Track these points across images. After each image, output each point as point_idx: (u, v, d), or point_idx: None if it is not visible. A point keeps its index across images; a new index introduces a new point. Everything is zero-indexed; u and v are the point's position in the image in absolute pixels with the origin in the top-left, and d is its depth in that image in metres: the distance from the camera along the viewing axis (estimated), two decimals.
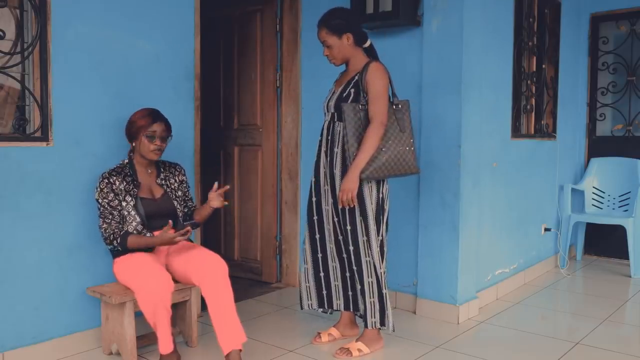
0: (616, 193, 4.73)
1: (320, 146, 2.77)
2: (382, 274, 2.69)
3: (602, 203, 4.80)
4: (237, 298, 2.52)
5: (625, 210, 4.62)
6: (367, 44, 2.73)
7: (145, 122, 2.59)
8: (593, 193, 4.82)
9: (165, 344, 2.46)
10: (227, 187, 2.73)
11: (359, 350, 2.72)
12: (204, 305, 2.57)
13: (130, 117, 2.64)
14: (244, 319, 2.57)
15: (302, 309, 2.95)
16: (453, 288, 3.23)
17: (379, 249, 2.68)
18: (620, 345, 2.91)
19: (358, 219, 2.66)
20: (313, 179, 2.82)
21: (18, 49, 2.50)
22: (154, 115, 2.62)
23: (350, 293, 2.87)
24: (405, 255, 3.44)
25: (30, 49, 2.50)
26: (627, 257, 4.44)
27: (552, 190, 4.56)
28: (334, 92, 2.74)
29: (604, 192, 4.80)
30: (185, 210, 2.80)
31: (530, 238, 4.25)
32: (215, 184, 2.70)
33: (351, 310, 2.90)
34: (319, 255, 2.85)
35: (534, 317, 3.42)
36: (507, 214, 3.90)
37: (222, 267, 2.50)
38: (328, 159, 2.72)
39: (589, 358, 2.76)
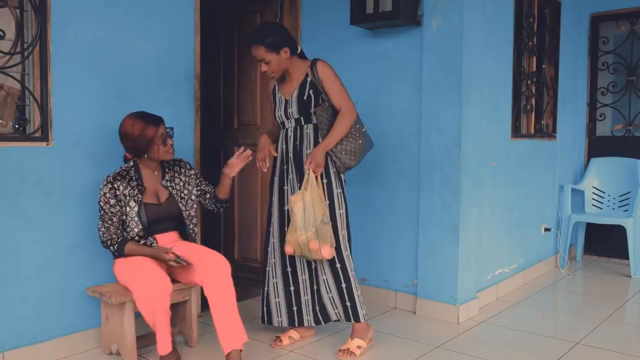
0: (616, 193, 4.73)
1: (286, 153, 2.77)
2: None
3: (602, 203, 4.80)
4: (237, 298, 2.52)
5: (625, 210, 4.62)
6: (299, 51, 2.78)
7: (153, 131, 2.54)
8: (593, 193, 4.82)
9: (163, 345, 2.45)
10: (249, 153, 2.81)
11: (359, 347, 2.76)
12: (204, 305, 2.57)
13: (124, 132, 2.54)
14: (244, 319, 2.57)
15: (269, 324, 2.88)
16: (453, 288, 3.23)
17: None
18: (620, 345, 2.91)
19: (338, 213, 2.71)
20: (277, 192, 2.82)
21: (18, 49, 2.50)
22: (154, 120, 2.58)
23: (317, 308, 2.82)
24: (405, 255, 3.44)
25: (30, 49, 2.50)
26: (627, 257, 4.44)
27: (552, 190, 4.56)
28: (287, 101, 2.75)
29: (604, 192, 4.79)
30: (207, 196, 2.82)
31: (530, 238, 4.25)
32: (239, 151, 2.79)
33: (322, 323, 2.85)
34: (289, 269, 2.84)
35: (534, 317, 3.42)
36: (507, 214, 3.90)
37: (225, 266, 2.51)
38: (296, 163, 2.74)
39: (589, 358, 2.76)
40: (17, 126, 2.51)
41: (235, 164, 2.79)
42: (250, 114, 4.12)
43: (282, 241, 2.80)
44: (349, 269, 2.73)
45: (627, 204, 4.63)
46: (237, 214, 4.21)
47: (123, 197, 2.55)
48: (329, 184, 2.72)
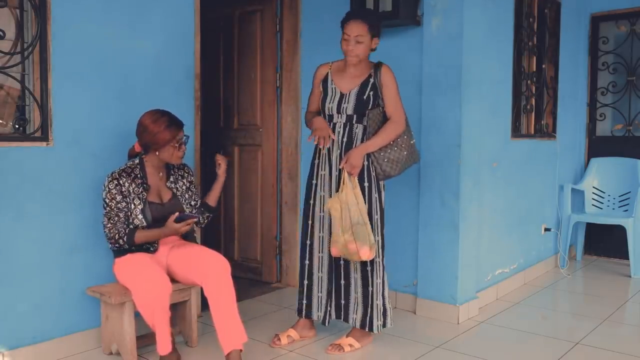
0: (616, 193, 4.73)
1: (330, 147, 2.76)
2: (385, 274, 2.77)
3: (602, 203, 4.80)
4: (237, 298, 2.52)
5: (625, 210, 4.62)
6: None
7: (172, 134, 2.55)
8: (593, 193, 4.82)
9: (163, 345, 2.45)
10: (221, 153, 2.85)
11: (350, 345, 2.77)
12: (204, 305, 2.57)
13: (145, 124, 2.55)
14: (244, 319, 2.57)
15: (308, 317, 2.87)
16: (453, 288, 3.23)
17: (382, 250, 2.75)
18: (620, 345, 2.91)
19: (374, 218, 2.70)
20: (314, 181, 2.81)
21: (18, 49, 2.50)
22: (177, 124, 2.58)
23: (342, 302, 2.83)
24: (405, 255, 3.44)
25: (30, 49, 2.50)
26: (627, 257, 4.44)
27: (552, 190, 4.56)
28: (342, 95, 2.72)
29: (604, 192, 4.79)
30: (194, 205, 2.80)
31: (530, 238, 4.25)
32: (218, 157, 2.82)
33: (337, 318, 2.86)
34: (306, 262, 2.85)
35: (534, 317, 3.42)
36: (507, 214, 3.90)
37: (224, 265, 2.50)
38: (337, 159, 2.72)
39: (589, 358, 2.76)
40: (17, 126, 2.51)
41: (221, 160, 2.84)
42: (250, 114, 4.12)
43: (305, 233, 2.83)
44: (375, 275, 2.72)
45: (627, 204, 4.63)
46: (237, 214, 4.21)
47: (128, 194, 2.55)
48: (369, 187, 2.70)
